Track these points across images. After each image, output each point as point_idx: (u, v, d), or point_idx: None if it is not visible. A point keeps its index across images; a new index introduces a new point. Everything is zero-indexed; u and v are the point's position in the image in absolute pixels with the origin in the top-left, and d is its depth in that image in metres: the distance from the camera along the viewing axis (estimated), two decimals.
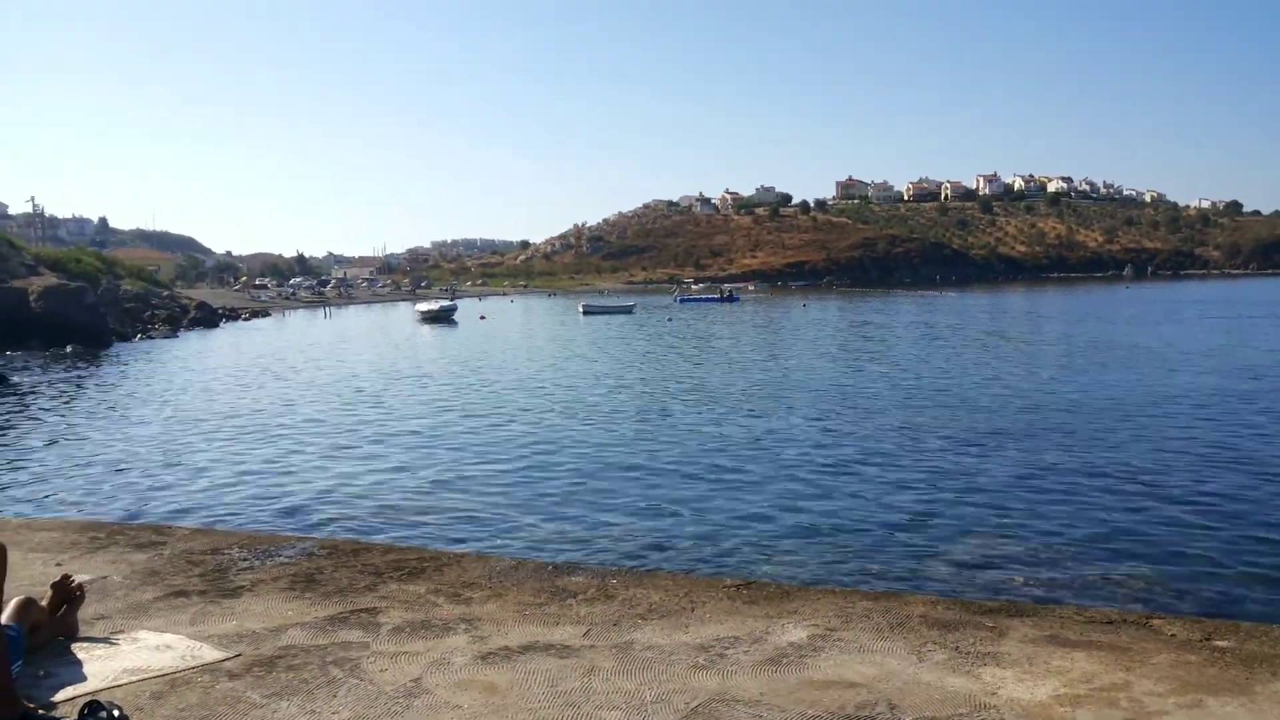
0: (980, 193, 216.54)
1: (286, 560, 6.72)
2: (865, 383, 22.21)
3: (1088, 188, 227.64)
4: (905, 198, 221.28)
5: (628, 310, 70.12)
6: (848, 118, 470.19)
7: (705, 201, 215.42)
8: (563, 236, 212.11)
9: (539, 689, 4.28)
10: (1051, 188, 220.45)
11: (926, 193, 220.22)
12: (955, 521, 9.40)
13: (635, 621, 5.32)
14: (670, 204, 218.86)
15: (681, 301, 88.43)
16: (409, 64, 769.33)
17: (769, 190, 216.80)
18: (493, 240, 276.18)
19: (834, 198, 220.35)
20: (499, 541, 8.77)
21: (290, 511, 10.32)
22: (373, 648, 4.80)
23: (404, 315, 71.97)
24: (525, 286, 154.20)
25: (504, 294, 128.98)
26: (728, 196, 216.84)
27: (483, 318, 64.02)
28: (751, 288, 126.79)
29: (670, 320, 57.54)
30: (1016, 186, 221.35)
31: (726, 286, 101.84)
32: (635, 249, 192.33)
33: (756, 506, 10.16)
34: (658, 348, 35.83)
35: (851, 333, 43.03)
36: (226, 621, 5.23)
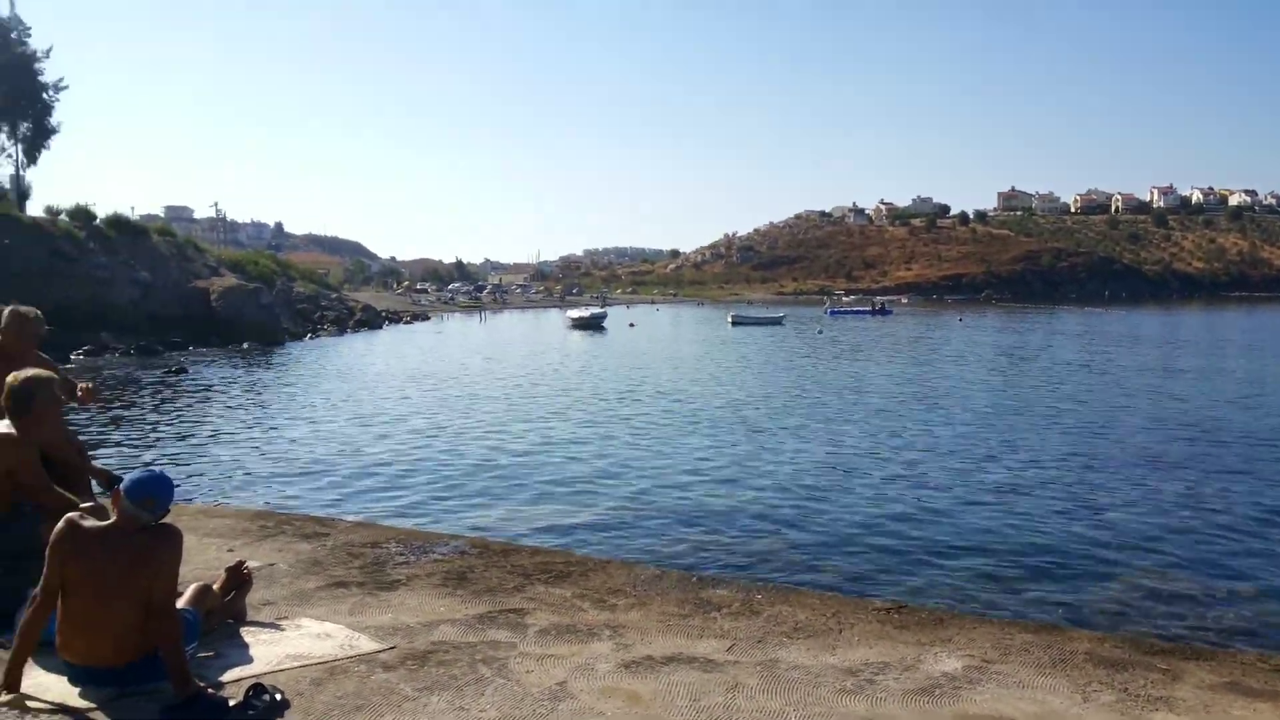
0: (1154, 205, 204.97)
1: (440, 557, 6.90)
2: (1029, 404, 21.31)
3: (1274, 201, 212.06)
4: (1072, 209, 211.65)
5: (777, 321, 69.49)
6: (1011, 126, 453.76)
7: (859, 212, 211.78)
8: (713, 246, 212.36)
9: (682, 702, 4.24)
10: (1233, 201, 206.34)
11: (1095, 205, 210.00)
12: (1124, 553, 8.87)
13: (780, 639, 5.22)
14: (822, 214, 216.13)
15: (832, 313, 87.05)
16: (566, 74, 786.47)
17: (926, 200, 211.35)
18: (643, 249, 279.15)
19: (995, 209, 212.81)
20: (643, 549, 8.78)
21: (444, 508, 10.62)
22: (520, 648, 4.86)
23: (555, 321, 73.43)
24: (674, 295, 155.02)
25: (651, 302, 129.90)
26: (882, 207, 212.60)
27: (632, 325, 64.67)
28: (905, 300, 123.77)
29: (820, 332, 56.71)
30: (1194, 199, 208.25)
31: (879, 299, 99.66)
32: (786, 259, 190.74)
33: (909, 528, 9.85)
34: (808, 359, 35.37)
35: (1012, 350, 41.42)
36: (383, 614, 5.40)
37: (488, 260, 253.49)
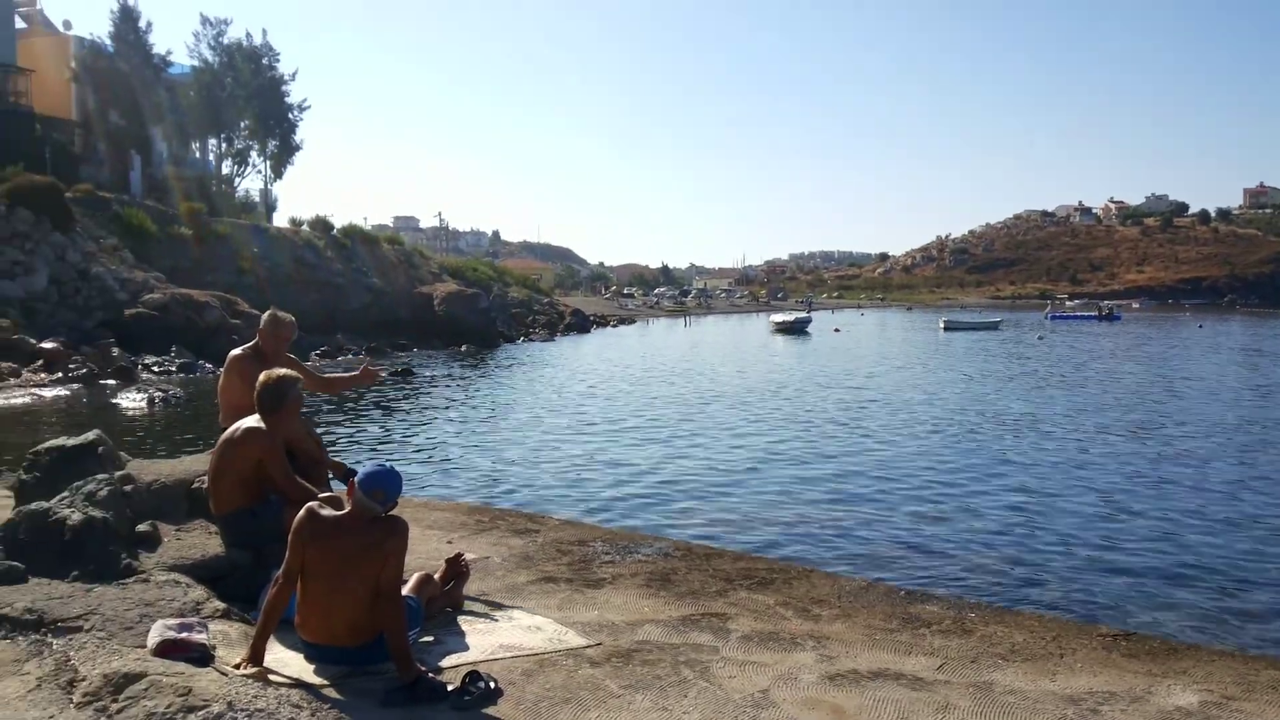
0: None
1: (644, 558, 7.02)
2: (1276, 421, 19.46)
3: None
4: None
5: (993, 326, 66.51)
6: (1260, 118, 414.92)
7: (1085, 211, 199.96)
8: (924, 249, 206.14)
9: (888, 719, 4.13)
10: None
11: None
12: None
13: (995, 661, 4.99)
14: (1044, 214, 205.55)
15: (1053, 318, 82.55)
16: (772, 78, 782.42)
17: (1161, 199, 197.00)
18: (850, 252, 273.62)
19: (1240, 207, 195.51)
20: (847, 560, 8.58)
21: (648, 510, 10.76)
22: (722, 653, 4.87)
23: (759, 326, 73.19)
24: (882, 299, 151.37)
25: (857, 307, 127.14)
26: (1111, 205, 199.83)
27: (837, 330, 63.54)
28: (1136, 305, 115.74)
29: (1041, 338, 53.83)
30: None
31: (1107, 303, 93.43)
32: (1003, 262, 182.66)
33: (1137, 550, 9.18)
34: (1027, 366, 33.65)
35: (1263, 360, 37.94)
36: (589, 610, 5.54)
37: (693, 265, 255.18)
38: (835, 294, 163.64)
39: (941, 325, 67.62)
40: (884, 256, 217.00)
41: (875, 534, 9.62)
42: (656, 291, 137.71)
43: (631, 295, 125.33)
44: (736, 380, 28.32)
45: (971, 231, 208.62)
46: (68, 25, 50.22)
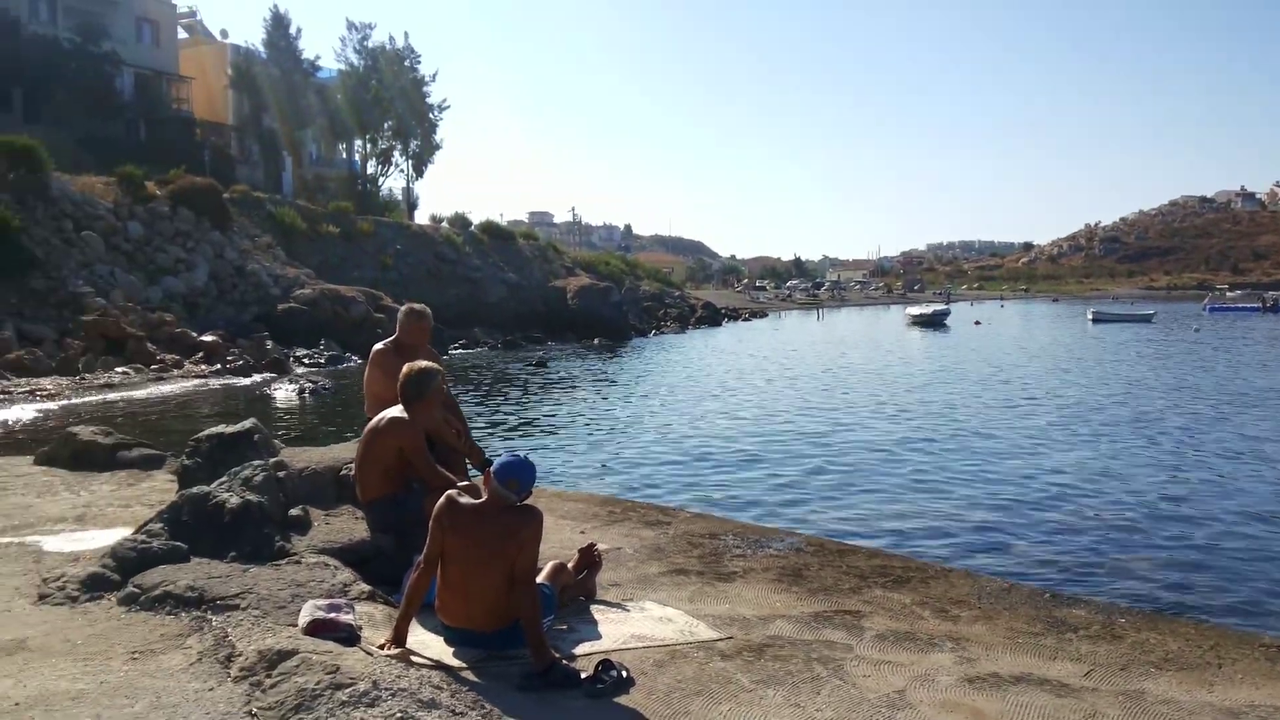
0: None
1: (775, 553, 6.96)
2: None
3: None
4: None
5: (1146, 319, 63.23)
6: None
7: (1248, 196, 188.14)
8: (1071, 238, 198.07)
9: None
10: None
11: None
12: None
13: (1147, 669, 4.75)
14: (1203, 200, 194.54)
15: (1211, 310, 77.92)
16: (907, 68, 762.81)
17: None
18: (992, 242, 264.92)
19: None
20: (988, 560, 8.31)
21: (780, 504, 10.67)
22: (856, 651, 4.79)
23: (894, 319, 71.58)
24: (1025, 291, 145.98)
25: (999, 299, 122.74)
26: (1278, 190, 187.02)
27: (977, 323, 61.53)
28: None
29: (1198, 331, 50.89)
30: None
31: (1271, 295, 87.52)
32: (1157, 251, 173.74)
33: None
34: (1185, 360, 31.88)
35: None
36: (720, 603, 5.52)
37: (825, 257, 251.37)
38: (975, 285, 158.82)
39: (1090, 317, 64.68)
40: (1028, 246, 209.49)
41: (1018, 535, 9.29)
42: (789, 284, 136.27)
43: (763, 288, 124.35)
44: (871, 374, 27.77)
45: (1123, 219, 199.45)
46: (224, 34, 53.14)
